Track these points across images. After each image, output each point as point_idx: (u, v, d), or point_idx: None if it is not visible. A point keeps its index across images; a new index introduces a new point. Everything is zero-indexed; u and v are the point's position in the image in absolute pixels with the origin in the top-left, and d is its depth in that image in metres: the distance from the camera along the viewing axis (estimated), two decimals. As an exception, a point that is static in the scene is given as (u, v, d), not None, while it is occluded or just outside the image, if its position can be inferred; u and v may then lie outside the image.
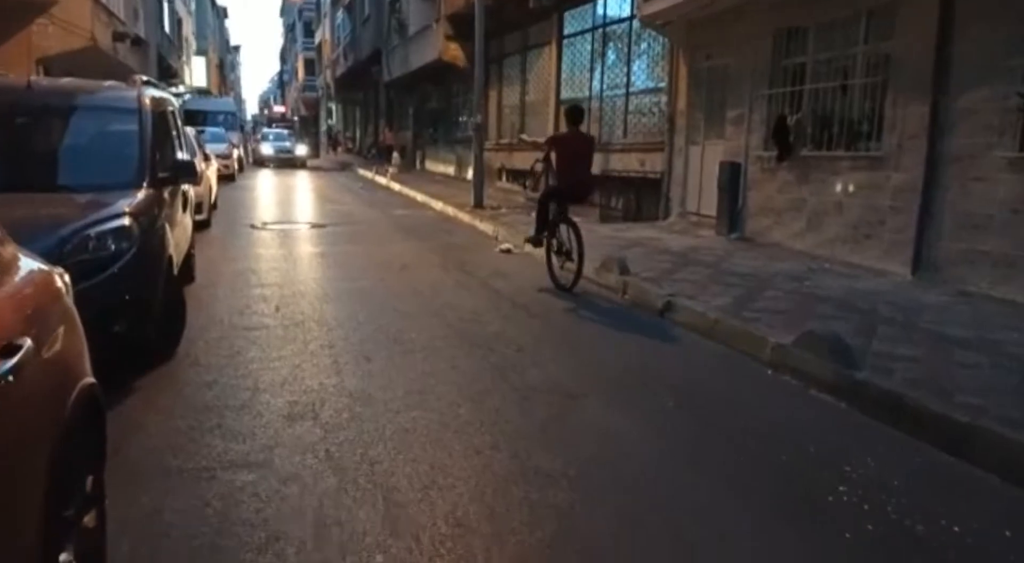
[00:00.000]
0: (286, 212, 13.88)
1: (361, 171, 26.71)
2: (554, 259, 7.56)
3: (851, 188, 7.93)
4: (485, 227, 11.59)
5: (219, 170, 19.81)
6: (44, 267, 2.38)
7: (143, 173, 4.89)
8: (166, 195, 5.17)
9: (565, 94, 15.33)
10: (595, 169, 13.81)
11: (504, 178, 18.46)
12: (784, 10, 8.88)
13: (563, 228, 7.51)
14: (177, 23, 35.78)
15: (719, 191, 9.99)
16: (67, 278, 2.54)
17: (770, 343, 4.87)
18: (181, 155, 6.79)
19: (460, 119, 22.12)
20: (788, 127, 8.68)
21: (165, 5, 30.10)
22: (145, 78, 6.34)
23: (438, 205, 14.86)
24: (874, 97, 7.82)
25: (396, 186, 19.66)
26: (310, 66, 60.50)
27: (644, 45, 12.37)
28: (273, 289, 7.09)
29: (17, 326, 1.79)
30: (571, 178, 7.63)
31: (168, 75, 30.95)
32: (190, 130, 12.70)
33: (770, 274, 7.43)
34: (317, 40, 54.42)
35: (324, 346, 5.21)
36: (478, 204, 13.39)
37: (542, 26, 16.05)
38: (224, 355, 4.94)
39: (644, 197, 12.51)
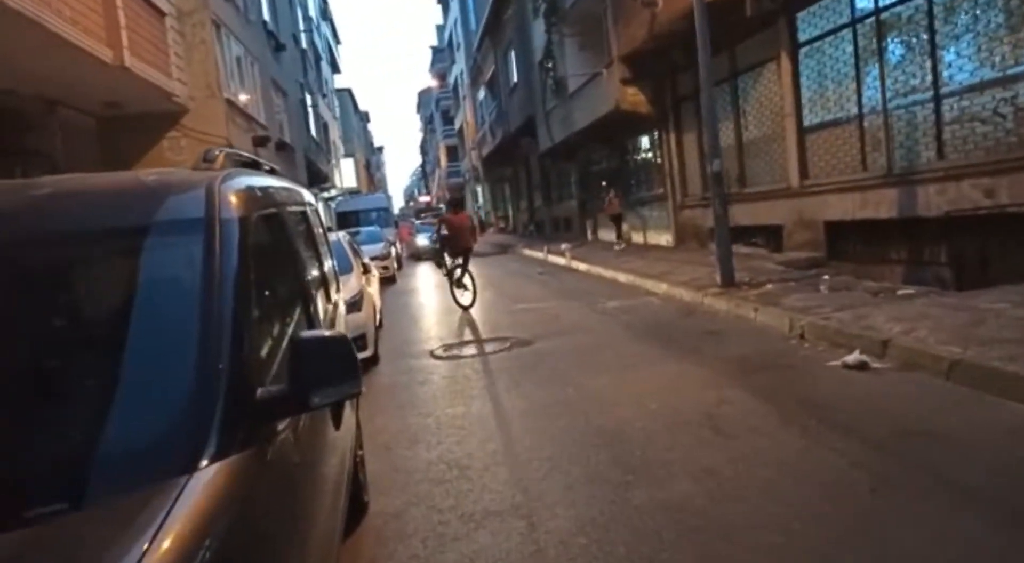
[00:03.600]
0: (466, 322, 10.67)
1: (527, 251, 23.69)
2: (456, 291, 11.77)
3: None
4: (768, 320, 7.67)
5: (379, 273, 17.42)
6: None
7: (207, 415, 1.56)
8: (275, 460, 1.78)
9: (812, 119, 11.35)
10: (884, 213, 9.74)
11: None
12: None
13: (465, 275, 11.72)
14: (323, 127, 35.40)
15: None
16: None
17: None
18: (327, 319, 3.50)
19: (647, 175, 18.57)
20: None
21: (310, 110, 29.34)
22: (237, 151, 3.14)
23: (659, 287, 11.13)
24: None
25: (582, 266, 16.21)
26: (452, 152, 60.23)
27: (964, 18, 8.27)
28: (515, 534, 3.53)
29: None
30: (455, 243, 11.91)
31: (318, 179, 29.98)
32: (342, 236, 9.90)
33: None
34: (457, 125, 53.82)
35: None
36: (728, 281, 9.52)
37: (759, 40, 12.31)
38: None
39: (997, 245, 8.15)
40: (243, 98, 15.82)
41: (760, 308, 7.94)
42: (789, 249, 12.11)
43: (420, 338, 9.65)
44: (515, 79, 28.03)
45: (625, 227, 19.16)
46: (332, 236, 10.00)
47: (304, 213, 3.65)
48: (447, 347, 8.63)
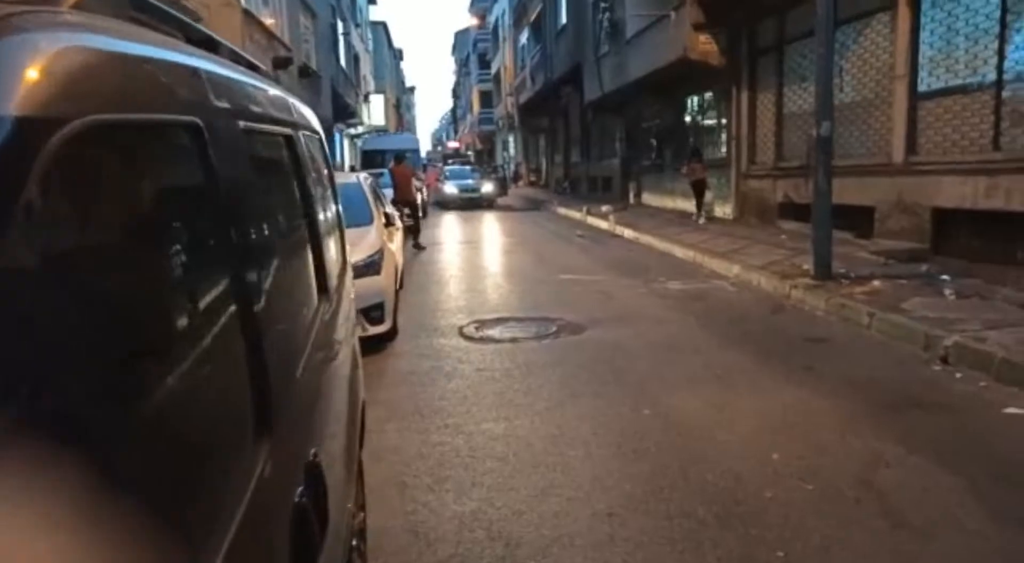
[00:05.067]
0: (501, 292, 9.13)
1: (561, 210, 22.01)
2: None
3: None
4: (890, 331, 6.04)
5: (402, 219, 15.85)
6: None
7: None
8: None
9: (931, 83, 9.50)
10: (1018, 204, 7.99)
11: (793, 217, 12.79)
12: None
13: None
14: (354, 59, 33.50)
15: None
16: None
17: None
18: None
19: (707, 137, 16.65)
20: None
21: (340, 38, 27.43)
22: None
23: (728, 269, 9.50)
24: None
25: (628, 232, 14.57)
26: (486, 98, 57.91)
27: None
28: None
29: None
30: (400, 193, 13.94)
31: (345, 114, 28.26)
32: (362, 178, 8.30)
33: None
34: (494, 69, 51.47)
35: None
36: (824, 272, 7.87)
37: (869, -16, 10.39)
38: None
39: None
40: (265, 11, 14.09)
41: (877, 314, 6.31)
42: (881, 236, 10.39)
43: (447, 307, 8.14)
44: (564, 20, 25.90)
45: (709, 197, 15.54)
46: (351, 177, 8.42)
47: (291, 141, 2.06)
48: (480, 324, 7.11)
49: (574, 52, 24.04)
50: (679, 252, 11.45)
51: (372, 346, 6.11)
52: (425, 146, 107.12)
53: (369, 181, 8.36)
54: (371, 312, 6.08)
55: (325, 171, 2.80)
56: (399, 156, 15.45)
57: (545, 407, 4.70)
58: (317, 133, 2.70)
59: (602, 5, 20.09)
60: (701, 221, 14.68)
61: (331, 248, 2.35)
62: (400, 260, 8.70)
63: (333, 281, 2.33)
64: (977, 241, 8.80)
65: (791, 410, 4.49)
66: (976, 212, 8.68)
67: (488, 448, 4.06)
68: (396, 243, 8.15)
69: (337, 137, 32.49)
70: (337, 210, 2.92)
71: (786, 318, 7.00)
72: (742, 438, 4.06)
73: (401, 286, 8.92)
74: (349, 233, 6.82)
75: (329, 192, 2.77)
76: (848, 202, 11.13)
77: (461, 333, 6.79)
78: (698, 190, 15.18)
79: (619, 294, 8.44)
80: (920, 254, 9.35)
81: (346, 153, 35.13)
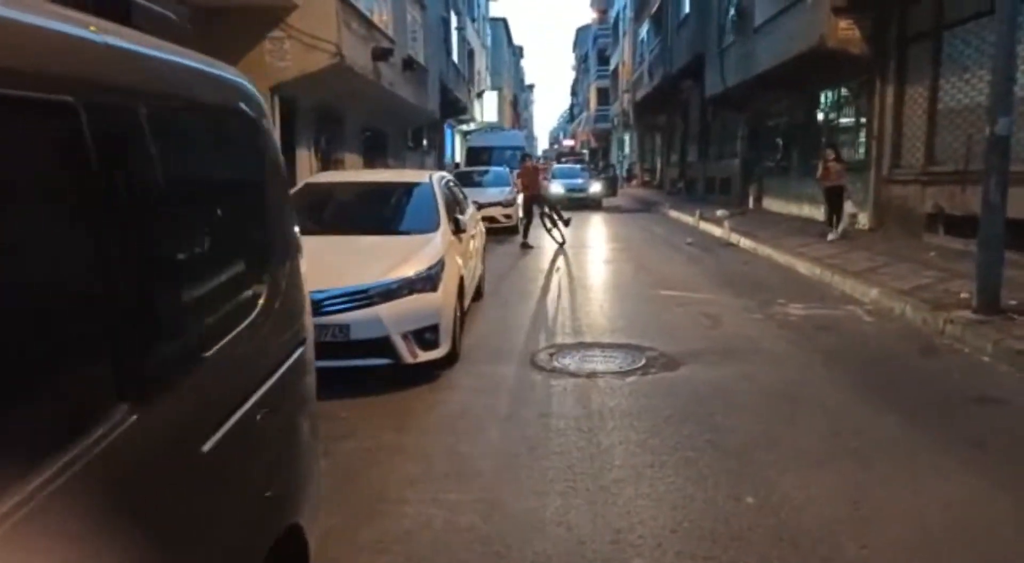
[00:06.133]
0: (590, 308, 8.03)
1: (673, 213, 20.54)
2: (553, 233, 13.70)
3: None
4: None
5: (497, 220, 15.07)
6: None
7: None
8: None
9: None
10: None
11: (942, 231, 10.95)
12: None
13: (546, 217, 13.79)
14: (468, 54, 33.04)
15: None
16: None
17: None
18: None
19: (842, 136, 14.77)
20: None
21: (454, 32, 26.96)
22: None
23: (865, 292, 7.99)
24: None
25: (745, 242, 13.07)
26: (603, 95, 56.52)
27: None
28: None
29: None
30: (527, 190, 14.03)
31: (455, 110, 27.79)
32: (435, 178, 7.37)
33: None
34: (613, 65, 50.03)
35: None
36: (990, 305, 6.30)
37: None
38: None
39: None
40: (366, 0, 13.59)
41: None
42: (1062, 258, 8.54)
43: (525, 325, 7.14)
44: (686, 10, 24.28)
45: (849, 207, 12.92)
46: (422, 176, 7.49)
47: (73, 116, 1.10)
48: (556, 350, 6.07)
49: (695, 43, 22.43)
50: (803, 267, 9.95)
51: (423, 375, 5.23)
52: (542, 144, 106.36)
53: (444, 181, 7.47)
54: (424, 334, 5.19)
55: (247, 172, 1.86)
56: (524, 155, 16.91)
57: (614, 480, 3.63)
58: (239, 110, 1.76)
59: (729, -9, 18.47)
60: (832, 237, 12.03)
61: (193, 305, 1.40)
62: (478, 270, 7.80)
63: (185, 363, 1.37)
64: None
65: (959, 512, 3.21)
66: None
67: (527, 543, 3.04)
68: (472, 251, 7.23)
69: (448, 133, 32.19)
70: (264, 234, 1.96)
71: (941, 364, 5.54)
72: (891, 558, 2.85)
73: (480, 295, 8.06)
74: (408, 241, 5.99)
75: (246, 209, 1.82)
76: (1019, 216, 9.29)
77: (532, 361, 5.78)
78: (833, 198, 12.36)
79: (727, 319, 7.17)
80: (1118, 284, 7.51)
81: (457, 149, 34.82)
